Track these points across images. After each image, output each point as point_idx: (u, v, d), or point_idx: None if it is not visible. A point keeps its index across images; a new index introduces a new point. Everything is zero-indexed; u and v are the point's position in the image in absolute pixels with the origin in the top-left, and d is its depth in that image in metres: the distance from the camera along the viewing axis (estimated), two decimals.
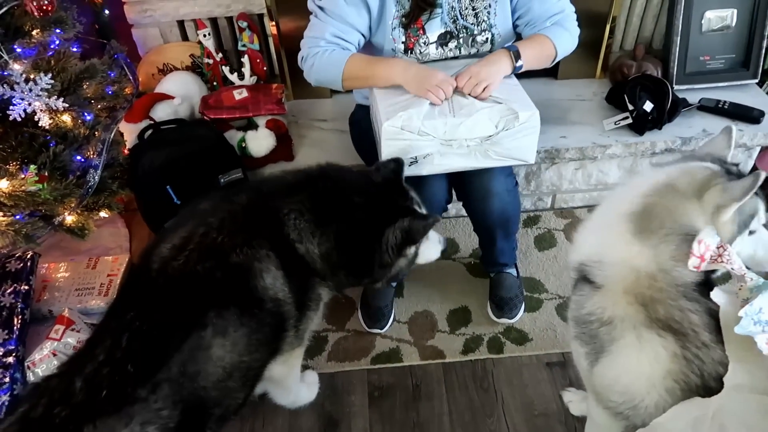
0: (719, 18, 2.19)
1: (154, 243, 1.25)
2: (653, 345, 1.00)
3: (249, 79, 2.16)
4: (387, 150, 1.51)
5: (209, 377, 1.14)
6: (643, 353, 1.01)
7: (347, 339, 1.85)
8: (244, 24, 2.15)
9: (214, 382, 1.14)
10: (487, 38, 1.67)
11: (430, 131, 1.48)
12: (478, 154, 1.53)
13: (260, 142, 1.97)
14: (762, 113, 2.07)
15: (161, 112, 2.02)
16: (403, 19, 1.60)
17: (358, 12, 1.58)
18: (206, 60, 2.17)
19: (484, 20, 1.64)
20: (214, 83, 2.20)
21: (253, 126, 2.03)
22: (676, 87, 2.19)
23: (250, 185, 1.40)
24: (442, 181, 1.60)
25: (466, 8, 1.62)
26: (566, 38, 1.68)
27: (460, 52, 1.68)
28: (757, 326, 0.90)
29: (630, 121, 2.05)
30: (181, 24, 2.24)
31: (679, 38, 2.16)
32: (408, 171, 1.55)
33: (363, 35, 1.63)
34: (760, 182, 0.96)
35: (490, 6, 1.64)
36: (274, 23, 2.16)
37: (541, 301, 1.94)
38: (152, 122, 1.97)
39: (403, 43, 1.63)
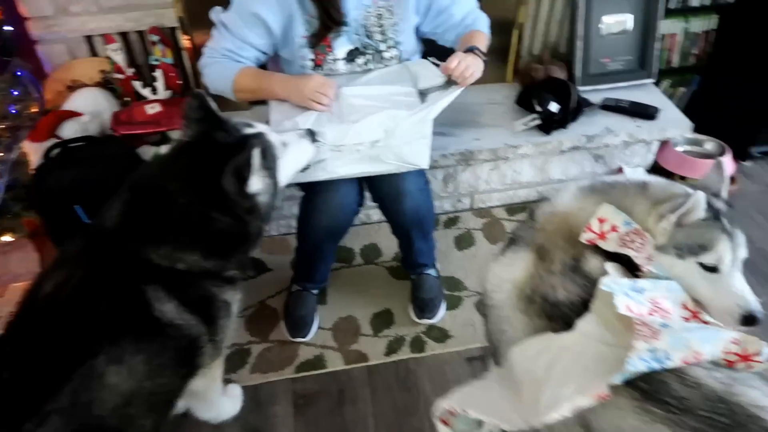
0: (617, 22, 2.33)
1: (39, 280, 1.21)
2: (519, 257, 1.14)
3: (163, 94, 2.14)
4: None
5: (105, 405, 1.11)
6: (509, 260, 1.16)
7: (271, 350, 1.85)
8: (156, 38, 2.13)
9: (112, 410, 1.12)
10: (394, 55, 1.72)
11: (319, 138, 1.51)
12: (371, 159, 1.57)
13: None
14: (656, 110, 2.21)
15: (69, 130, 1.96)
16: (311, 39, 1.63)
17: (257, 33, 1.60)
18: (117, 75, 2.13)
19: (390, 37, 1.69)
20: (126, 99, 2.16)
21: (167, 141, 2.01)
22: (580, 88, 2.30)
23: (101, 225, 1.23)
24: (351, 184, 1.63)
25: (373, 25, 1.66)
26: (486, 23, 1.80)
27: (368, 68, 1.72)
28: (625, 297, 0.97)
29: (538, 122, 2.15)
30: (89, 39, 2.19)
31: (580, 42, 2.28)
32: (302, 177, 1.56)
33: (263, 52, 1.66)
34: (690, 202, 0.99)
35: (396, 24, 1.68)
36: (187, 36, 2.15)
37: (461, 299, 1.99)
38: (59, 140, 1.92)
39: (311, 60, 1.66)
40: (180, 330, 1.22)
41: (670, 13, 2.40)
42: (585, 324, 0.98)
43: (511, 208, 2.35)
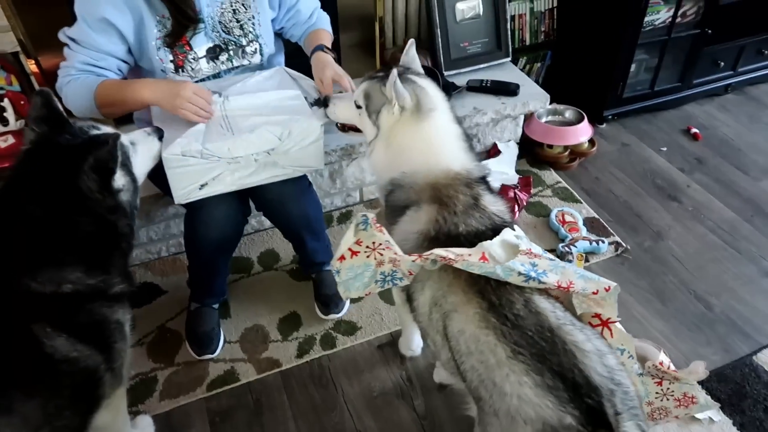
0: (469, 8, 2.46)
1: None
2: (421, 212, 1.30)
3: (15, 124, 1.97)
4: (174, 178, 1.48)
5: None
6: (412, 217, 1.31)
7: (178, 373, 1.78)
8: None
9: None
10: (255, 48, 1.71)
11: (214, 152, 1.47)
12: (268, 167, 1.56)
13: None
14: (517, 86, 2.37)
15: None
16: (167, 39, 1.57)
17: (110, 39, 1.52)
18: None
19: (250, 31, 1.68)
20: None
21: None
22: (446, 73, 2.42)
23: None
24: (233, 194, 1.60)
25: (230, 21, 1.64)
26: (328, 21, 1.88)
27: (233, 64, 1.70)
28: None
29: None
30: None
31: (439, 30, 2.39)
32: (202, 194, 1.54)
33: (123, 60, 1.58)
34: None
35: (254, 18, 1.68)
36: (32, 60, 1.99)
37: None
38: None
39: (171, 62, 1.60)
40: (76, 364, 1.15)
41: None
42: (488, 244, 1.15)
43: None
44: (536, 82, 2.62)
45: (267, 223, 2.25)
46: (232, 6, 1.62)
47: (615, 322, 1.16)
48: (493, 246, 1.15)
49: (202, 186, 1.52)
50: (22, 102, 2.01)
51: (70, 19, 1.61)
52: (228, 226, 1.65)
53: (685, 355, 1.83)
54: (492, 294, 1.13)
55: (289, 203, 1.69)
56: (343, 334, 1.89)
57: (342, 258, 1.21)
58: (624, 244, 2.21)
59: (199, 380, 1.76)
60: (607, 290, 1.13)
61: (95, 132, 1.23)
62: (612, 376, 1.02)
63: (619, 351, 1.14)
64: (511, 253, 1.15)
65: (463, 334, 1.13)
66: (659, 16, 2.57)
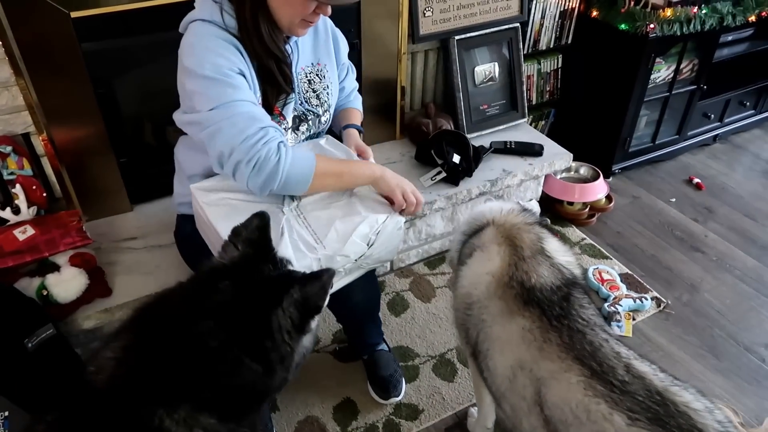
0: (485, 71, 2.48)
1: None
2: (492, 253, 1.28)
3: (28, 213, 1.78)
4: None
5: None
6: (482, 259, 1.29)
7: None
8: (8, 148, 1.79)
9: None
10: (328, 118, 1.64)
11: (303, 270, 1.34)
12: (353, 271, 1.46)
13: (67, 284, 1.62)
14: (542, 147, 2.38)
15: None
16: (264, 107, 1.42)
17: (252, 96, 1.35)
18: None
19: (325, 101, 1.60)
20: None
21: (51, 267, 1.67)
22: (468, 135, 2.40)
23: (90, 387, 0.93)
24: None
25: (307, 91, 1.55)
26: (361, 101, 1.82)
27: (310, 134, 1.61)
28: None
29: (444, 174, 2.18)
30: None
31: (460, 93, 2.39)
32: None
33: None
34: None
35: (327, 87, 1.60)
36: (44, 137, 1.83)
37: (417, 367, 1.91)
38: None
39: None
40: None
41: (524, 57, 2.62)
42: None
43: (430, 262, 2.35)
44: None
45: None
46: (307, 77, 1.54)
47: None
48: None
49: None
50: (33, 187, 1.83)
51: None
52: None
53: (752, 411, 1.80)
54: (591, 360, 1.10)
55: (355, 294, 1.58)
56: (406, 419, 1.75)
57: None
58: (664, 300, 2.20)
59: None
60: None
61: (292, 267, 1.07)
62: (727, 430, 1.02)
63: None
64: None
65: (568, 403, 1.08)
66: (660, 74, 2.67)
